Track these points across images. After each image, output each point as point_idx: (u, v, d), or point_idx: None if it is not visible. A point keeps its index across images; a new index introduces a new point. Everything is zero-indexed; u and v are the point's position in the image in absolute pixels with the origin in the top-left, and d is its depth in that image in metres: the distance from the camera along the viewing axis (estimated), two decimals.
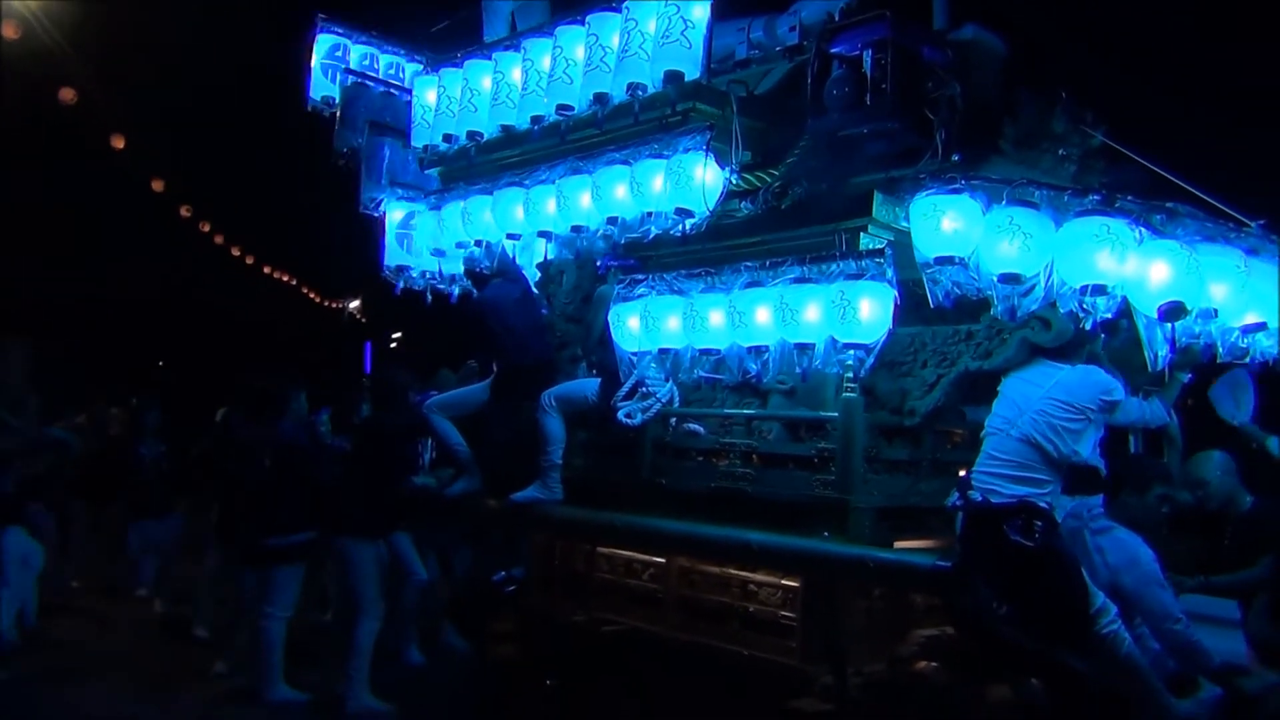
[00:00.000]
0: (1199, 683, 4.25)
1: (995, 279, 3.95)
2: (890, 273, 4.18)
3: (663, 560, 5.11)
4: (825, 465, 4.55)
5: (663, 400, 5.16)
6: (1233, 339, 4.29)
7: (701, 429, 5.18)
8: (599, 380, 5.38)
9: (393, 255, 6.62)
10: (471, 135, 5.83)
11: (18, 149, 14.76)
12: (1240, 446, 5.46)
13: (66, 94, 13.08)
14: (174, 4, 15.40)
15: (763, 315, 4.48)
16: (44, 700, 6.37)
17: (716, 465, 5.00)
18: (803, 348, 4.36)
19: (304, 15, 7.24)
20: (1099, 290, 3.84)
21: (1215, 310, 4.06)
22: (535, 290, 6.14)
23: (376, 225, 6.74)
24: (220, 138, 18.55)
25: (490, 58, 5.74)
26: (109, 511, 9.30)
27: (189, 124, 18.16)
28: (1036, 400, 4.13)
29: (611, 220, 5.07)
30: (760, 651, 4.62)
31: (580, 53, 5.21)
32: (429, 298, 6.68)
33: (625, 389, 5.12)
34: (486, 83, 5.74)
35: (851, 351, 4.24)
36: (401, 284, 6.63)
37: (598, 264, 5.68)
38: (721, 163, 4.81)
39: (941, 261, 4.02)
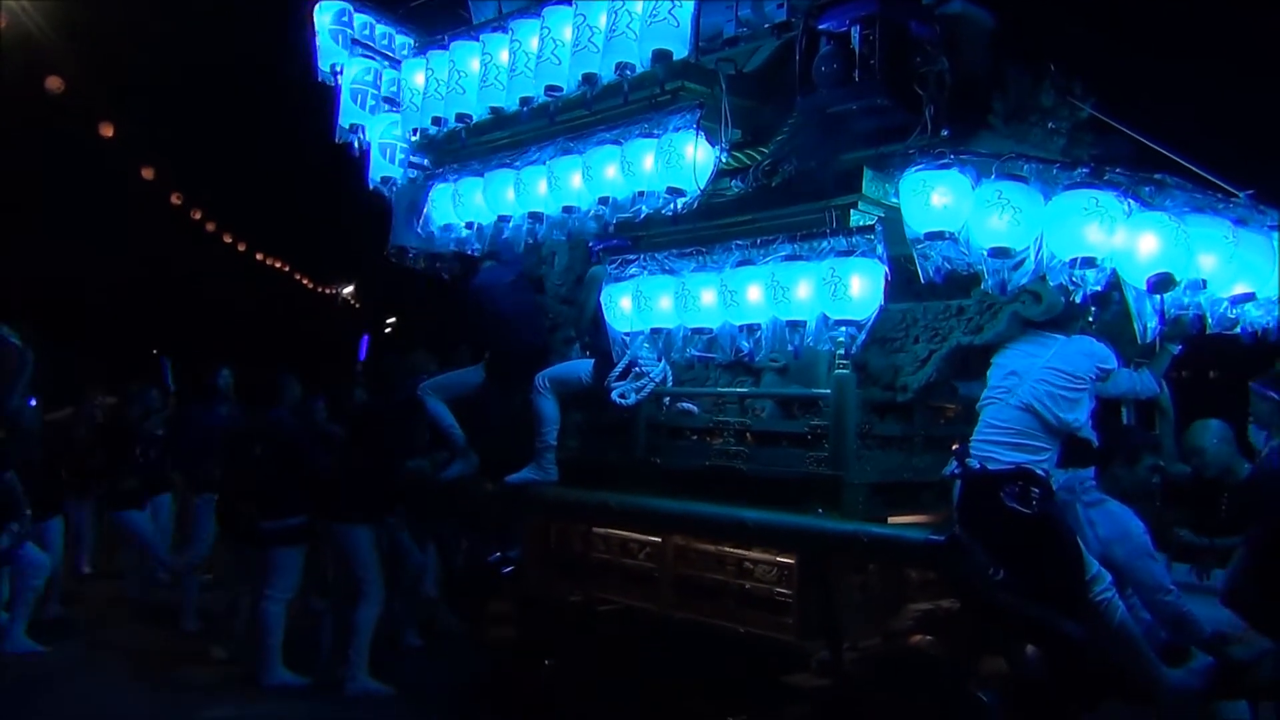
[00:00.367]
0: (1191, 652, 4.29)
1: (985, 253, 3.96)
2: (881, 249, 4.19)
3: (658, 539, 5.13)
4: (818, 442, 4.58)
5: (656, 380, 5.18)
6: (1221, 310, 4.30)
7: (695, 408, 5.20)
8: (592, 361, 5.39)
9: (399, 235, 6.60)
10: (460, 118, 5.82)
11: (5, 138, 14.68)
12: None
13: (54, 82, 13.01)
14: None
15: (754, 293, 4.49)
16: (49, 684, 6.38)
17: (710, 444, 5.03)
18: (794, 325, 4.37)
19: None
20: (1088, 263, 3.85)
21: (1204, 281, 4.06)
22: (528, 273, 6.13)
23: (384, 206, 6.71)
24: (210, 125, 18.47)
25: (478, 39, 5.71)
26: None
27: (179, 111, 18.08)
28: (1037, 369, 4.17)
29: (603, 200, 5.06)
30: (756, 628, 4.64)
31: (568, 33, 5.18)
32: (444, 276, 6.64)
33: (619, 369, 5.15)
34: (474, 64, 5.72)
35: (843, 328, 4.25)
36: (420, 263, 6.58)
37: (590, 245, 5.68)
38: (712, 141, 4.80)
39: (932, 237, 4.02)
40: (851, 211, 4.62)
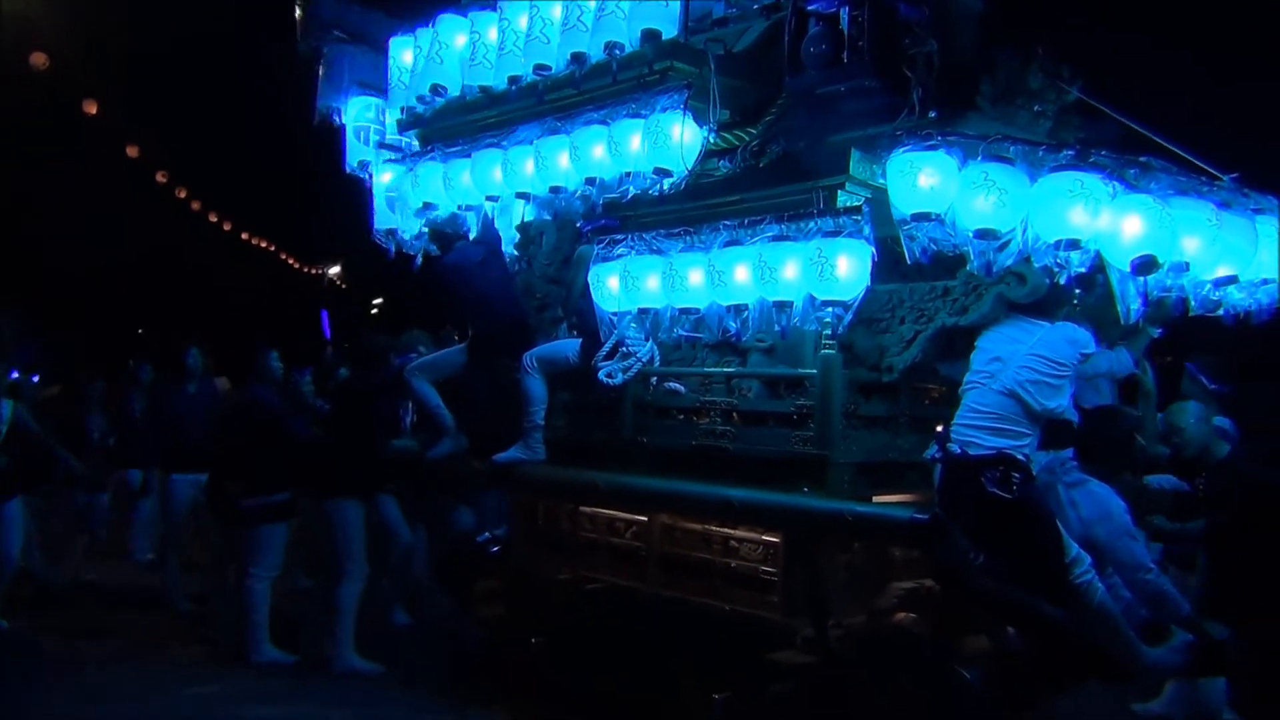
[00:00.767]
0: (1170, 630, 4.33)
1: (971, 235, 3.98)
2: (867, 230, 4.21)
3: (645, 518, 5.15)
4: (804, 422, 4.60)
5: (643, 360, 5.20)
6: (1204, 292, 4.35)
7: (682, 387, 5.21)
8: (580, 341, 5.40)
9: (383, 219, 6.60)
10: (436, 90, 5.80)
11: None
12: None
13: (39, 59, 12.90)
14: None
15: (741, 274, 4.51)
16: (36, 663, 6.39)
17: (697, 423, 5.05)
18: (781, 305, 4.40)
19: None
20: (1073, 245, 3.88)
21: (1187, 264, 4.10)
22: (504, 251, 6.10)
23: (364, 189, 6.72)
24: (198, 102, 18.35)
25: (466, 16, 5.70)
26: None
27: (165, 88, 17.95)
28: (1020, 355, 4.20)
29: (590, 180, 5.08)
30: (742, 606, 4.67)
31: (557, 12, 5.18)
32: (419, 260, 6.65)
33: (606, 349, 5.17)
34: (462, 42, 5.71)
35: (830, 309, 4.28)
36: (393, 246, 6.59)
37: (578, 225, 5.69)
38: (699, 121, 4.81)
39: (918, 218, 4.05)
40: (839, 192, 4.62)
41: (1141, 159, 4.03)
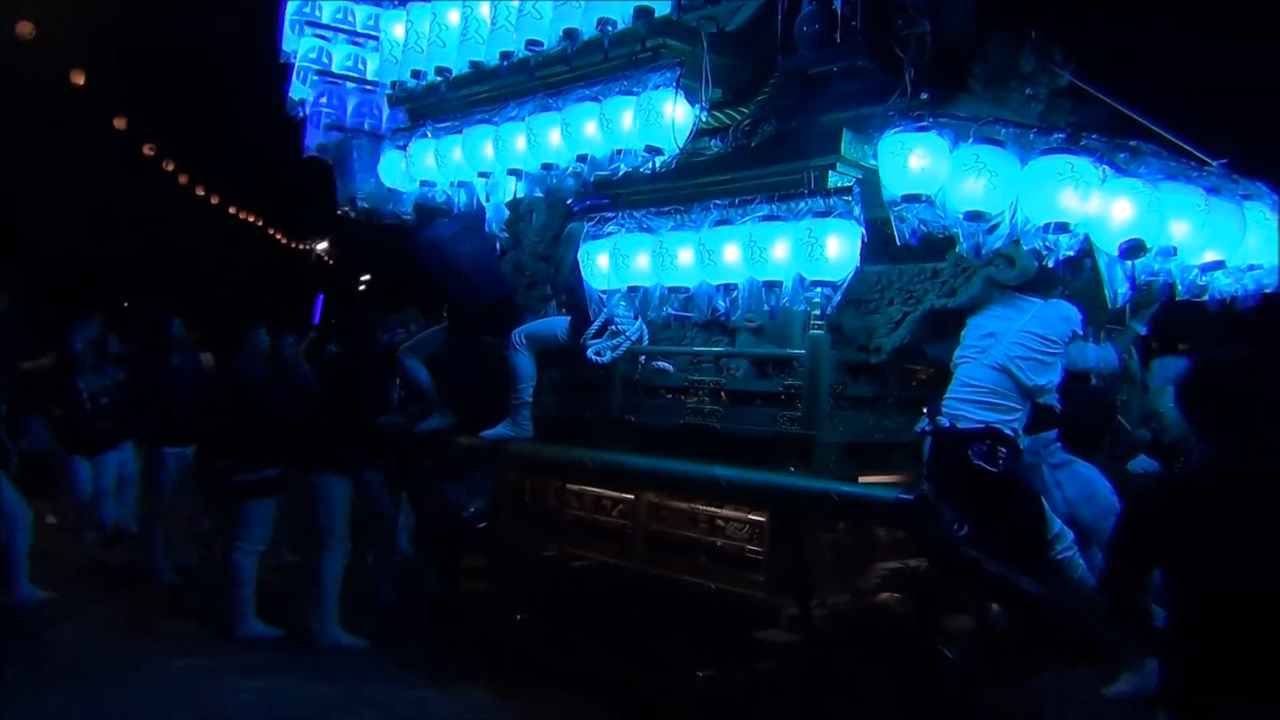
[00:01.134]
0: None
1: (961, 217, 3.99)
2: (858, 210, 4.21)
3: (631, 496, 5.16)
4: (792, 402, 4.61)
5: (632, 338, 5.20)
6: (1191, 277, 4.37)
7: (670, 366, 5.22)
8: (569, 318, 5.40)
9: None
10: (440, 71, 5.77)
11: None
12: None
13: (24, 28, 12.77)
14: None
15: (731, 253, 4.50)
16: (22, 634, 6.39)
17: (685, 402, 5.05)
18: (771, 285, 4.40)
19: None
20: (1062, 228, 3.89)
21: (1175, 248, 4.12)
22: (488, 227, 6.08)
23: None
24: (184, 75, 18.18)
25: None
26: None
27: (151, 60, 17.77)
28: (1014, 331, 4.24)
29: (581, 158, 5.06)
30: (727, 585, 4.69)
31: None
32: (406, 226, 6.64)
33: (594, 327, 5.16)
34: (455, 17, 5.67)
35: (819, 289, 4.28)
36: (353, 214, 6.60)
37: (568, 202, 5.67)
38: (691, 100, 4.80)
39: (909, 199, 4.04)
40: (830, 173, 4.62)
41: (1132, 143, 4.05)
